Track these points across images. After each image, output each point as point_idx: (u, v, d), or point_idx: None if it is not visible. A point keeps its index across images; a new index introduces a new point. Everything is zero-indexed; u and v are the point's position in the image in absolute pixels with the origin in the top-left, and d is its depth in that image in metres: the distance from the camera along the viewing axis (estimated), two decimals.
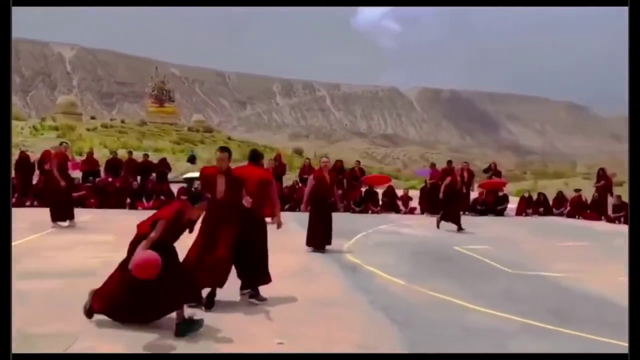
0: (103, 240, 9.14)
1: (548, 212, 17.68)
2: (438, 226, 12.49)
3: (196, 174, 20.70)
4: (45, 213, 11.76)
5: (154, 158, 19.52)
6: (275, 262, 5.97)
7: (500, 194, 17.77)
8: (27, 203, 14.78)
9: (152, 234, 4.27)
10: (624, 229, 13.88)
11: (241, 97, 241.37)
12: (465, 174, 17.31)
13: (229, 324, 4.68)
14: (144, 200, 15.54)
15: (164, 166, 17.65)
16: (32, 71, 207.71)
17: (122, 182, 16.05)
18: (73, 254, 7.74)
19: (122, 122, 60.74)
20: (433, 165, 18.66)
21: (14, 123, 49.86)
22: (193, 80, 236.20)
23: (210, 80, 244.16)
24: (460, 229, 12.25)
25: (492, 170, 18.90)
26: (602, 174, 17.58)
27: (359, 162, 18.70)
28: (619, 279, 7.20)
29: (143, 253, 4.12)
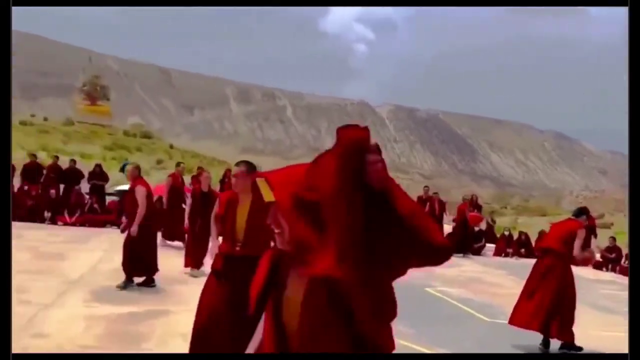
0: (15, 259, 8.80)
1: (530, 253, 18.13)
2: None
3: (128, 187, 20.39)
4: None
5: (82, 165, 19.08)
6: None
7: (477, 229, 18.13)
8: None
9: None
10: (612, 277, 14.39)
11: (188, 100, 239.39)
12: (437, 206, 17.64)
13: None
14: (66, 214, 15.09)
15: (99, 176, 17.22)
16: None
17: (41, 192, 15.59)
18: None
19: (45, 119, 59.26)
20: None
21: None
22: (132, 76, 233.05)
23: (153, 77, 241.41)
24: None
25: (474, 204, 19.23)
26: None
27: None
28: (598, 333, 7.42)
29: None
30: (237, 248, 4.18)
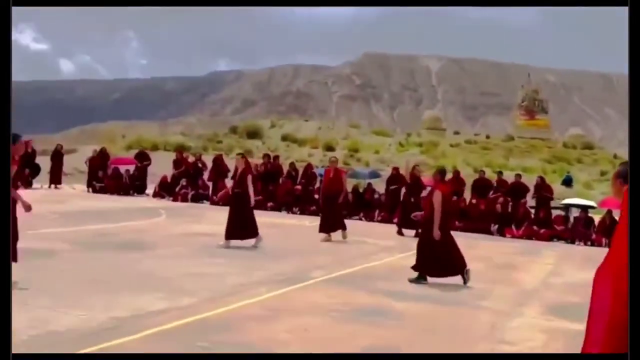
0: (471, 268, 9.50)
1: None
2: None
3: (577, 201, 19.58)
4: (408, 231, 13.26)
5: (525, 179, 19.43)
6: None
7: None
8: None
9: None
10: None
11: None
12: None
13: None
14: (513, 227, 15.59)
15: (544, 189, 17.25)
16: (399, 86, 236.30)
17: (487, 206, 16.52)
18: (438, 279, 8.27)
19: (487, 137, 62.86)
20: None
21: (381, 139, 57.68)
22: (570, 86, 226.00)
23: (593, 85, 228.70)
24: None
25: None
26: None
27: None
28: None
29: None
30: None
